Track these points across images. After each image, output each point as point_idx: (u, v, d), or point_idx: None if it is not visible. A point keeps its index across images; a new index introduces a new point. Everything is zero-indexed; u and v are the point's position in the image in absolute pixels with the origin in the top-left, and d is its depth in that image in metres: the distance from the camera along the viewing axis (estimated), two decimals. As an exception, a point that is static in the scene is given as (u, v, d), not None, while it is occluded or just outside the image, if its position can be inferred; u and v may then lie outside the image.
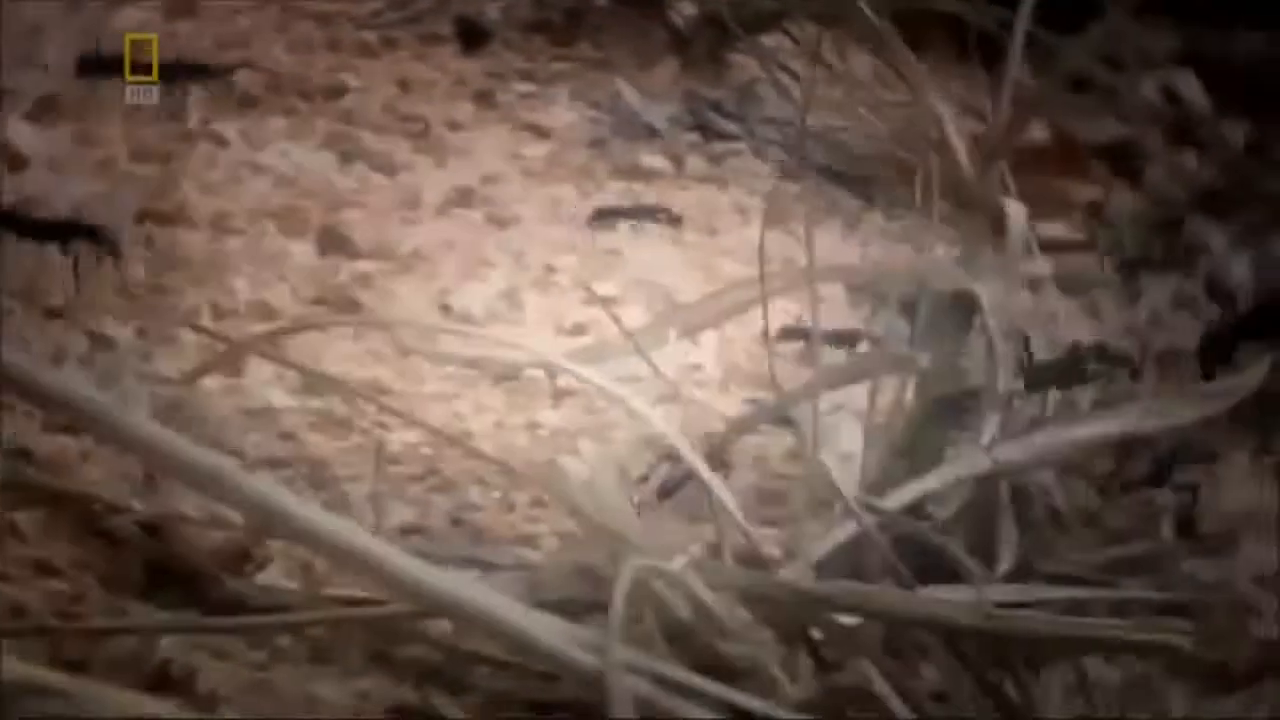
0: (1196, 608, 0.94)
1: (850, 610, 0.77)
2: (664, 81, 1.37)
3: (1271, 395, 1.09)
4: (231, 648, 0.77)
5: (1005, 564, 0.93)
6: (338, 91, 1.28)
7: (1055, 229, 1.37)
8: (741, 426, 0.99)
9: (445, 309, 1.10)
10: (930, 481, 0.91)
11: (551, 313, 1.09)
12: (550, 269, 1.14)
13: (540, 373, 1.03)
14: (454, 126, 1.27)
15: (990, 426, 0.95)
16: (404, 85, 1.31)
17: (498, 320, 1.10)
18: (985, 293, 0.94)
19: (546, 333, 1.09)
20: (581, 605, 0.78)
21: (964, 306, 0.96)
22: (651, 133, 1.31)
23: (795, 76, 1.39)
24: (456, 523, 0.91)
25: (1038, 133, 1.44)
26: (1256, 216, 1.47)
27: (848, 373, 0.97)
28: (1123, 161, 1.55)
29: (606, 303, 1.09)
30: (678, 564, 0.77)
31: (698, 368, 1.07)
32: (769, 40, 1.41)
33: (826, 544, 0.83)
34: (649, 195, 1.24)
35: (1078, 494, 1.02)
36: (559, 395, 1.03)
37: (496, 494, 0.93)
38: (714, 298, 1.03)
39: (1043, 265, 1.27)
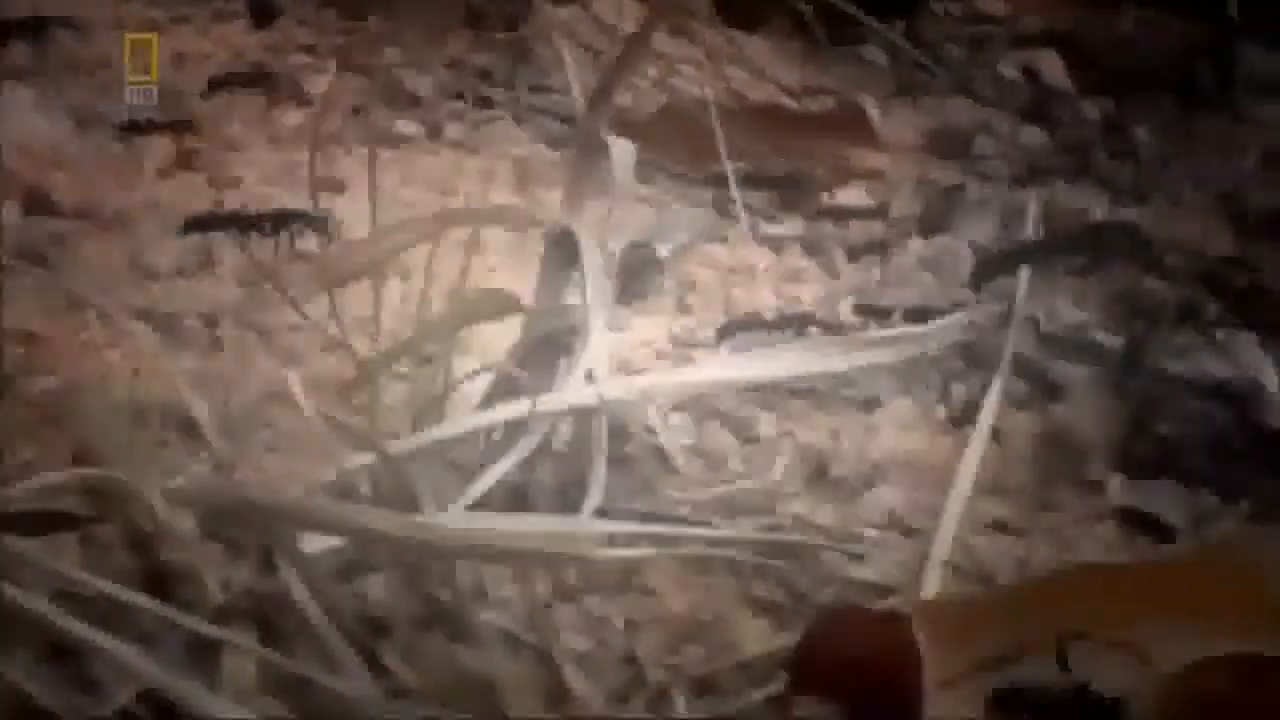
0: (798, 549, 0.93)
1: (304, 526, 0.77)
2: (455, 54, 1.37)
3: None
4: None
5: (594, 499, 0.92)
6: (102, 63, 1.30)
7: (846, 195, 1.36)
8: (374, 367, 0.99)
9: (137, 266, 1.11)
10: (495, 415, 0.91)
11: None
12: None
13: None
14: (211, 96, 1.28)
15: (588, 361, 0.95)
16: (177, 59, 1.33)
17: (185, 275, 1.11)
18: (584, 232, 0.94)
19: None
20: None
21: (571, 245, 0.96)
22: (414, 101, 1.32)
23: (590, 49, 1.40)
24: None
25: (825, 102, 1.43)
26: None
27: (462, 316, 0.97)
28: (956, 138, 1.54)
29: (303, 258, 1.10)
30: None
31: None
32: (565, 12, 1.42)
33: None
34: (395, 161, 1.24)
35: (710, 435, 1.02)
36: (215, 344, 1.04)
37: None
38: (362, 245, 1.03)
39: (789, 226, 1.27)
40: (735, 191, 1.16)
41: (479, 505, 0.90)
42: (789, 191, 1.35)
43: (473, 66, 1.34)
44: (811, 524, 0.96)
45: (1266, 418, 1.07)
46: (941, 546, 0.92)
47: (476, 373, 0.92)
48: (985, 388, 1.07)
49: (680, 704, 0.84)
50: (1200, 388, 1.08)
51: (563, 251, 0.95)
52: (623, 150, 0.94)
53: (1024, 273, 1.17)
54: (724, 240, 1.24)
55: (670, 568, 0.92)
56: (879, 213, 1.34)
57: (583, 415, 0.94)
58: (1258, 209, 1.53)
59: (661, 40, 1.44)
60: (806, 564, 0.93)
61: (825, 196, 1.36)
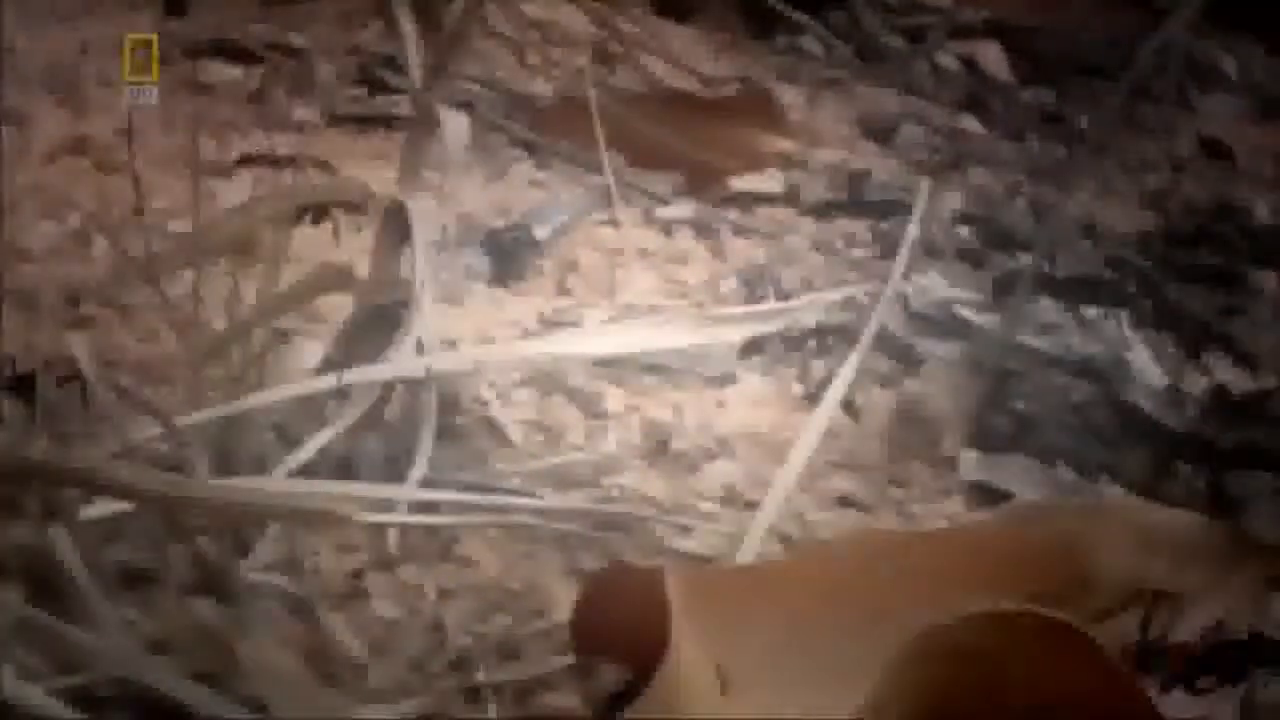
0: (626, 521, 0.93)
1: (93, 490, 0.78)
2: (362, 42, 1.38)
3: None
4: None
5: (420, 469, 0.92)
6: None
7: (751, 181, 1.36)
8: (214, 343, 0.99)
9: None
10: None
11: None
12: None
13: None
14: (107, 83, 1.29)
15: (419, 334, 0.95)
16: (83, 47, 1.34)
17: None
18: (415, 206, 0.94)
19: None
20: None
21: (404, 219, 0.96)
22: (314, 87, 1.32)
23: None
24: None
25: (730, 87, 1.43)
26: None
27: (298, 291, 0.97)
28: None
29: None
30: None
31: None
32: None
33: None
34: (285, 145, 1.25)
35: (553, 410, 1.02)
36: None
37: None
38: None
39: (683, 209, 1.27)
40: (609, 175, 1.16)
41: (304, 473, 0.90)
42: (695, 177, 1.35)
43: (379, 54, 1.35)
44: (644, 496, 0.96)
45: (1129, 394, 1.06)
46: (765, 518, 0.92)
47: (287, 338, 0.92)
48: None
49: (481, 670, 0.84)
50: (1064, 364, 1.07)
51: (397, 225, 0.95)
52: (456, 124, 0.94)
53: (902, 252, 1.16)
54: (615, 224, 1.24)
55: (493, 539, 0.91)
56: (787, 198, 1.34)
57: (413, 387, 0.94)
58: (1189, 197, 1.53)
59: (580, 26, 1.45)
60: (635, 536, 0.93)
61: (732, 181, 1.35)
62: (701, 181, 1.35)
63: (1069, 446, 1.03)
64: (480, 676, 0.83)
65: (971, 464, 1.02)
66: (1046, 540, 0.87)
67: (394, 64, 1.35)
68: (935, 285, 1.12)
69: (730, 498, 0.97)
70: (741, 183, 1.35)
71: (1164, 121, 1.64)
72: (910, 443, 1.03)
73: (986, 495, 1.01)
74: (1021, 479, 1.02)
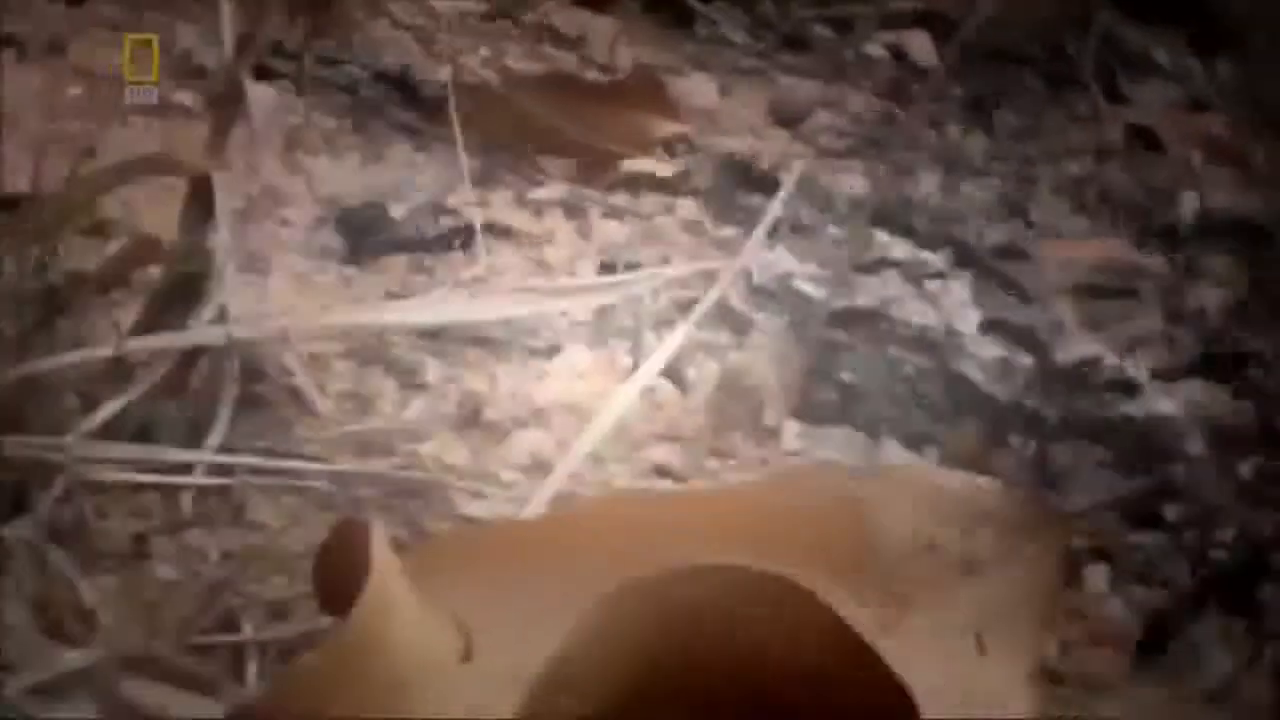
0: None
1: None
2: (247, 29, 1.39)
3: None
4: None
5: (218, 435, 0.93)
6: None
7: (642, 164, 1.36)
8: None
9: None
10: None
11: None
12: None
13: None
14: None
15: (221, 303, 0.96)
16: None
17: None
18: (220, 181, 0.95)
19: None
20: None
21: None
22: (201, 73, 1.33)
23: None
24: None
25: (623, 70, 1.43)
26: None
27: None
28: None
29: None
30: None
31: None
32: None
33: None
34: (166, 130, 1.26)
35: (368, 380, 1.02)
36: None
37: None
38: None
39: (553, 191, 1.28)
40: (463, 156, 1.16)
41: (102, 435, 0.91)
42: (588, 161, 1.35)
43: (265, 41, 1.35)
44: (445, 464, 0.96)
45: (959, 365, 1.06)
46: (553, 483, 0.92)
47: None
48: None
49: (248, 628, 0.84)
50: (897, 336, 1.07)
51: (203, 196, 0.96)
52: (262, 96, 0.95)
53: (758, 230, 1.16)
54: (485, 204, 1.24)
55: (286, 504, 0.92)
56: (675, 182, 1.34)
57: (217, 355, 0.95)
58: (1107, 185, 1.52)
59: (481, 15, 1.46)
60: (430, 502, 0.93)
61: (624, 165, 1.35)
62: (594, 165, 1.35)
63: (896, 418, 1.02)
64: (247, 634, 0.84)
65: (793, 435, 1.01)
66: (824, 502, 0.87)
67: (281, 50, 1.37)
68: (781, 260, 1.12)
69: (536, 466, 0.97)
70: (635, 165, 1.36)
71: (1093, 110, 1.63)
72: (732, 414, 1.02)
73: (806, 466, 1.01)
74: (843, 450, 1.01)
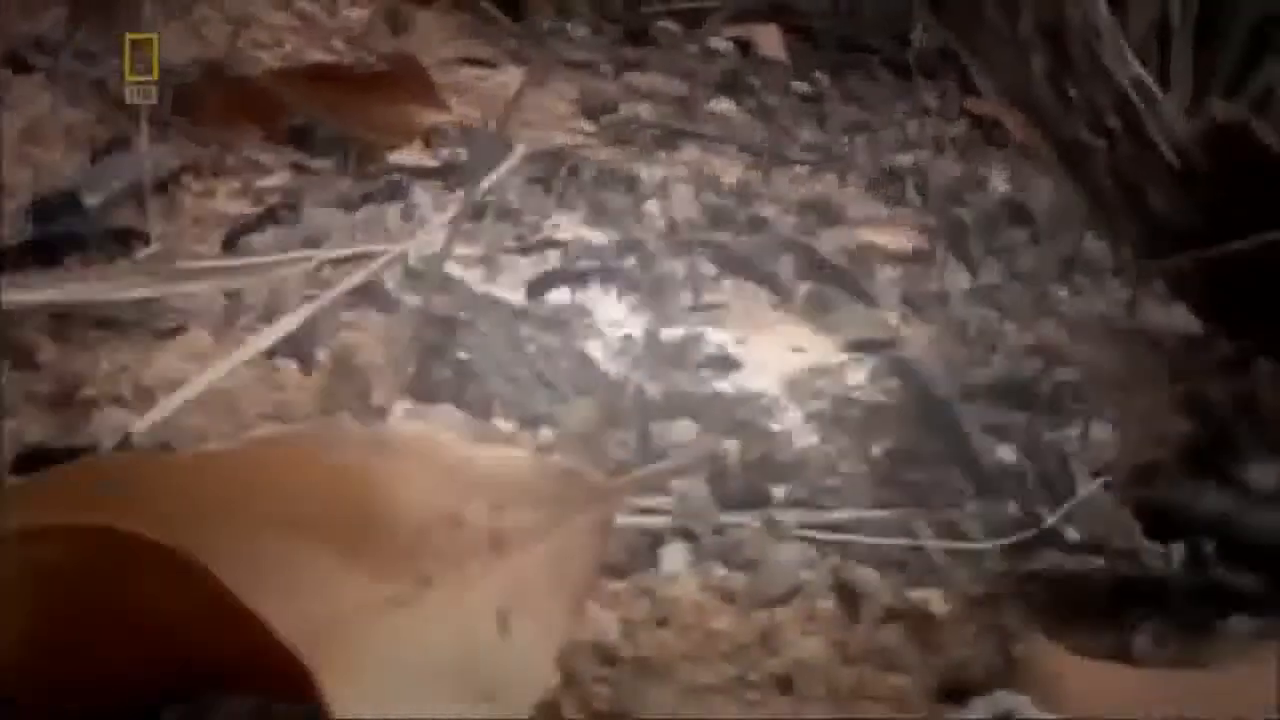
0: None
1: None
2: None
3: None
4: None
5: None
6: None
7: (407, 155, 1.36)
8: None
9: None
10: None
11: None
12: None
13: None
14: None
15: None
16: None
17: None
18: None
19: None
20: None
21: None
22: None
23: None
24: None
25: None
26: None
27: None
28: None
29: None
30: None
31: None
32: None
33: None
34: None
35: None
36: None
37: None
38: None
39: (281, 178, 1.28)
40: (140, 143, 1.17)
41: None
42: (357, 151, 1.35)
43: (26, 35, 1.37)
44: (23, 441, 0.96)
45: (586, 345, 1.04)
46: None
47: None
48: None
49: None
50: (528, 314, 1.06)
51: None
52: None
53: (439, 215, 1.15)
54: (210, 194, 1.25)
55: None
56: (439, 172, 1.34)
57: None
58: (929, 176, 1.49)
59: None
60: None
61: (387, 155, 1.35)
62: (361, 156, 1.35)
63: (510, 397, 1.01)
64: None
65: (400, 414, 1.00)
66: (330, 470, 0.85)
67: (40, 44, 1.38)
68: (438, 243, 1.11)
69: (120, 444, 0.97)
70: (402, 157, 1.36)
71: (942, 102, 1.61)
72: (342, 393, 1.01)
73: (411, 446, 0.99)
74: (449, 429, 1.00)
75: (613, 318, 1.04)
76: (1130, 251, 1.25)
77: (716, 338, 1.01)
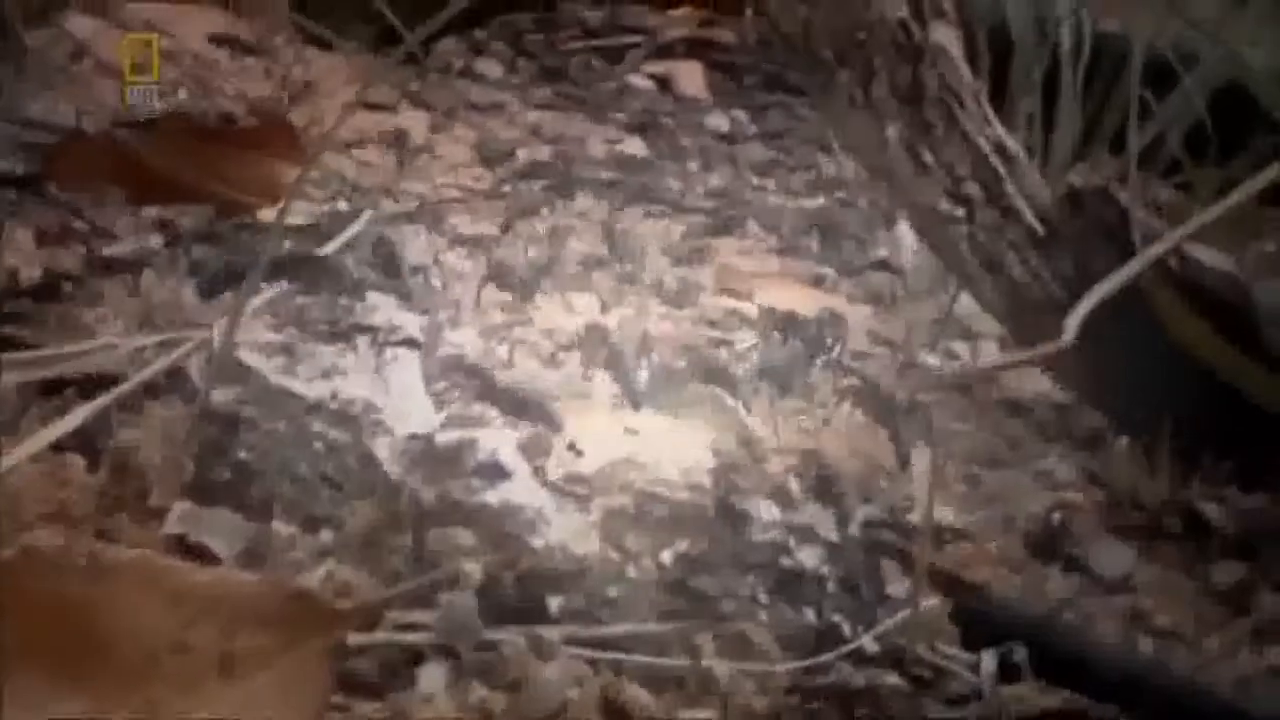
0: None
1: None
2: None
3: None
4: None
5: None
6: None
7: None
8: None
9: None
10: None
11: None
12: None
13: None
14: None
15: None
16: None
17: None
18: None
19: None
20: None
21: None
22: None
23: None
24: None
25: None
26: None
27: None
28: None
29: None
30: None
31: None
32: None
33: None
34: None
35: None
36: None
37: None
38: None
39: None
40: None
41: None
42: (224, 210, 1.33)
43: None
44: None
45: (369, 440, 1.01)
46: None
47: None
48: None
49: None
50: (322, 409, 1.02)
51: None
52: None
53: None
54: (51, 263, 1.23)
55: None
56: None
57: None
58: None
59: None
60: None
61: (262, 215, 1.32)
62: (230, 215, 1.33)
63: (291, 498, 0.98)
64: None
65: (176, 518, 0.97)
66: (48, 597, 0.83)
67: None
68: (247, 329, 1.08)
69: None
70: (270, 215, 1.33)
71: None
72: (120, 494, 0.99)
73: (186, 549, 0.96)
74: (227, 534, 0.97)
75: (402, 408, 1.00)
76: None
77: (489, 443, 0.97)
